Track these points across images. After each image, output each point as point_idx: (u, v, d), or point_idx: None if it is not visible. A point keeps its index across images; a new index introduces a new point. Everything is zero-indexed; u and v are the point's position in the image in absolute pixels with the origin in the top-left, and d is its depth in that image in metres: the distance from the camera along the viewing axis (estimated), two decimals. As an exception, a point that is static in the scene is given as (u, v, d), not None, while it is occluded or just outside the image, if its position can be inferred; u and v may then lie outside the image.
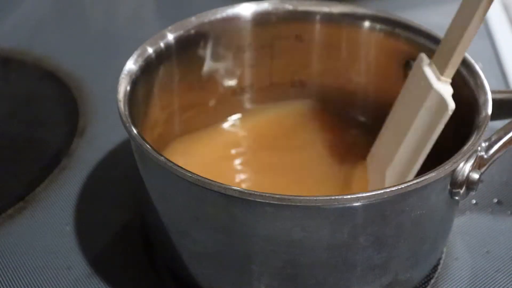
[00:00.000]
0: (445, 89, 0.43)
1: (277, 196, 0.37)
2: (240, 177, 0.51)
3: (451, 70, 0.43)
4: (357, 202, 0.37)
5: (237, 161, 0.52)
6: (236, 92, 0.55)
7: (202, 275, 0.44)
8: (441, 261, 0.48)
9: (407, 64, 0.50)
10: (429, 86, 0.44)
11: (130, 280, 0.47)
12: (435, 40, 0.48)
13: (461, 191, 0.41)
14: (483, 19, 0.42)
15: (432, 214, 0.41)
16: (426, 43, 0.49)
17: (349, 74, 0.54)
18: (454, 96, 0.46)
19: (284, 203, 0.37)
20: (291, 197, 0.37)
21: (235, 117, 0.55)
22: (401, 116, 0.47)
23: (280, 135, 0.54)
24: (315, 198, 0.38)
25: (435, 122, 0.43)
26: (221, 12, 0.51)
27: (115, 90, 0.44)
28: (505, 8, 0.77)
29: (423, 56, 0.46)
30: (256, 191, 0.37)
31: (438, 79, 0.44)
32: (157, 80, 0.49)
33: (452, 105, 0.42)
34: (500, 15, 0.75)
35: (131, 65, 0.46)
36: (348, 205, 0.38)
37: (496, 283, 0.46)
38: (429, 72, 0.44)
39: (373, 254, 0.40)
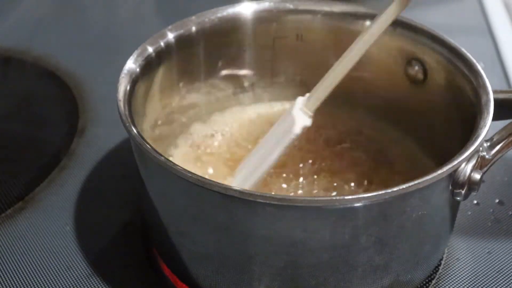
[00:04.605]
0: (301, 117, 0.46)
1: (278, 196, 0.37)
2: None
3: (313, 103, 0.47)
4: (358, 202, 0.37)
5: (237, 161, 0.52)
6: (236, 91, 0.55)
7: (202, 275, 0.43)
8: (442, 262, 0.48)
9: (408, 64, 0.50)
10: (289, 111, 0.47)
11: (130, 280, 0.47)
12: (436, 39, 0.48)
13: (463, 192, 0.41)
14: (346, 67, 0.46)
15: (434, 214, 0.41)
16: (427, 42, 0.49)
17: (350, 74, 0.54)
18: (454, 96, 0.46)
19: (285, 204, 0.37)
20: (292, 198, 0.37)
21: (235, 116, 0.55)
22: (264, 143, 0.49)
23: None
24: (316, 198, 0.38)
25: (281, 142, 0.46)
26: (221, 11, 0.51)
27: (115, 90, 0.44)
28: (507, 8, 0.77)
29: (307, 94, 0.48)
30: (257, 192, 0.37)
31: (301, 109, 0.47)
32: (157, 79, 0.49)
33: (296, 131, 0.46)
34: (502, 15, 0.75)
35: (131, 64, 0.46)
36: (349, 205, 0.37)
37: (497, 284, 0.46)
38: (300, 102, 0.47)
39: (374, 255, 0.40)
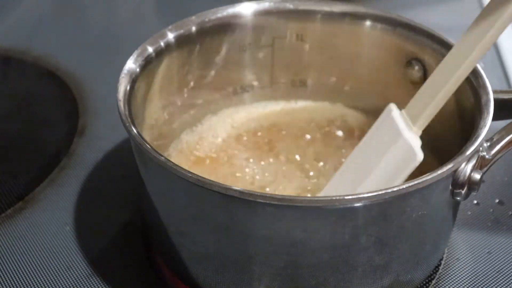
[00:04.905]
0: (414, 140, 0.43)
1: (278, 196, 0.37)
2: (239, 176, 0.51)
3: (423, 122, 0.43)
4: (358, 202, 0.37)
5: (237, 161, 0.52)
6: (236, 91, 0.55)
7: (202, 275, 0.43)
8: (442, 262, 0.48)
9: (408, 64, 0.50)
10: (398, 135, 0.43)
11: (130, 280, 0.47)
12: (436, 39, 0.48)
13: (463, 192, 0.41)
14: (463, 77, 0.42)
15: (434, 214, 0.41)
16: (427, 42, 0.49)
17: (350, 74, 0.54)
18: (454, 96, 0.46)
19: (285, 204, 0.37)
20: (292, 198, 0.37)
21: (236, 116, 0.55)
22: (365, 159, 0.46)
23: (280, 135, 0.54)
24: (316, 198, 0.38)
25: (400, 171, 0.43)
26: (221, 11, 0.51)
27: (115, 90, 0.44)
28: (507, 7, 0.77)
29: (393, 106, 0.46)
30: (257, 191, 0.37)
31: (410, 129, 0.44)
32: (157, 79, 0.49)
33: (420, 156, 0.42)
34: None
35: (131, 64, 0.46)
36: (349, 205, 0.37)
37: (497, 284, 0.46)
38: (400, 120, 0.44)
39: (374, 255, 0.40)
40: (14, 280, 0.47)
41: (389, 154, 0.44)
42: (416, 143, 0.43)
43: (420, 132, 0.44)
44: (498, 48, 0.69)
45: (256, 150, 0.53)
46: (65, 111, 0.62)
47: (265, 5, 0.52)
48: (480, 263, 0.48)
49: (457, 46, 0.42)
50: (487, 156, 0.42)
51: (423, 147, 0.50)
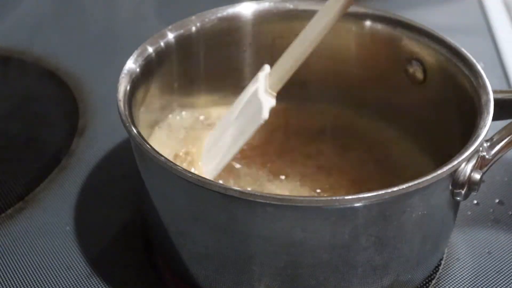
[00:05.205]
0: (267, 100, 0.46)
1: (278, 196, 0.37)
2: (238, 176, 0.51)
3: (277, 84, 0.47)
4: (358, 202, 0.37)
5: (237, 160, 0.52)
6: (236, 91, 0.55)
7: (202, 275, 0.43)
8: (442, 262, 0.48)
9: (408, 64, 0.50)
10: (255, 93, 0.47)
11: (130, 280, 0.47)
12: (436, 39, 0.48)
13: (463, 192, 0.41)
14: (312, 43, 0.46)
15: (434, 214, 0.41)
16: (427, 42, 0.49)
17: (350, 74, 0.54)
18: (454, 96, 0.46)
19: (285, 204, 0.37)
20: (292, 198, 0.37)
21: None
22: (231, 114, 0.49)
23: (280, 135, 0.54)
24: (316, 198, 0.38)
25: (249, 127, 0.47)
26: (221, 11, 0.51)
27: (115, 90, 0.44)
28: (507, 8, 0.77)
29: (266, 66, 0.49)
30: (257, 192, 0.37)
31: (266, 90, 0.47)
32: (157, 79, 0.49)
33: (265, 115, 0.46)
34: (502, 15, 0.75)
35: (131, 64, 0.46)
36: (349, 205, 0.37)
37: (498, 284, 0.46)
38: (263, 81, 0.47)
39: (374, 254, 0.40)
40: (14, 280, 0.47)
41: (245, 111, 0.47)
42: (267, 102, 0.46)
43: (274, 94, 0.47)
44: (498, 48, 0.69)
45: (256, 150, 0.52)
46: (65, 111, 0.62)
47: (265, 5, 0.52)
48: (480, 263, 0.48)
49: (309, 24, 0.46)
50: (487, 156, 0.42)
51: (424, 148, 0.51)
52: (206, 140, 0.50)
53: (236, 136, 0.47)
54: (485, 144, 0.42)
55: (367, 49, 0.52)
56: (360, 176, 0.50)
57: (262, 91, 0.46)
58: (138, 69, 0.46)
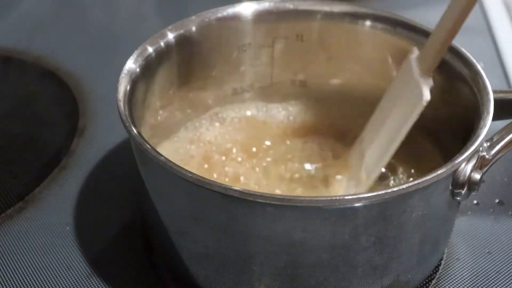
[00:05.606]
0: (425, 81, 0.44)
1: (278, 196, 0.37)
2: (238, 176, 0.51)
3: (433, 64, 0.44)
4: (358, 202, 0.37)
5: (236, 160, 0.52)
6: (236, 91, 0.55)
7: (202, 275, 0.43)
8: (442, 262, 0.48)
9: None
10: (410, 77, 0.45)
11: (130, 280, 0.47)
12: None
13: (463, 192, 0.41)
14: (464, 18, 0.44)
15: (434, 214, 0.41)
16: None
17: (350, 74, 0.54)
18: (454, 96, 0.46)
19: (285, 204, 0.37)
20: (292, 198, 0.37)
21: (235, 116, 0.55)
22: (386, 104, 0.48)
23: (280, 135, 0.54)
24: (316, 198, 0.37)
25: (411, 112, 0.44)
26: (221, 11, 0.51)
27: (115, 90, 0.44)
28: (507, 8, 0.77)
29: (415, 49, 0.47)
30: (257, 191, 0.37)
31: (421, 72, 0.45)
32: (157, 79, 0.49)
33: (427, 96, 0.43)
34: (502, 15, 0.75)
35: (131, 64, 0.46)
36: (349, 205, 0.37)
37: (497, 284, 0.46)
38: (415, 64, 0.45)
39: (374, 254, 0.40)
40: (14, 280, 0.47)
41: (402, 98, 0.45)
42: (425, 84, 0.44)
43: (431, 74, 0.44)
44: (498, 48, 0.69)
45: (255, 150, 0.52)
46: (65, 111, 0.62)
47: (265, 5, 0.52)
48: (480, 263, 0.48)
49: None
50: (487, 156, 0.42)
51: (424, 148, 0.51)
52: (351, 151, 0.49)
53: (397, 127, 0.45)
54: (485, 144, 0.42)
55: (367, 49, 0.52)
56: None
57: (417, 73, 0.44)
58: (138, 69, 0.46)
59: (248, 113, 0.55)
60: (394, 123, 0.45)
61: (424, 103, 0.44)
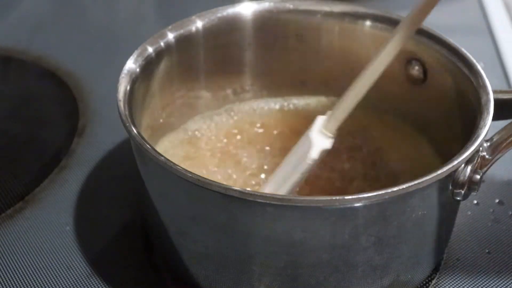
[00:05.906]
0: (319, 140, 0.44)
1: (278, 196, 0.37)
2: (237, 176, 0.51)
3: (332, 125, 0.44)
4: (358, 202, 0.37)
5: (237, 160, 0.52)
6: (236, 91, 0.55)
7: (202, 275, 0.43)
8: (442, 262, 0.48)
9: (408, 63, 0.50)
10: (309, 132, 0.44)
11: (130, 280, 0.47)
12: (436, 39, 0.48)
13: (463, 192, 0.41)
14: (366, 87, 0.44)
15: (434, 214, 0.41)
16: (427, 42, 0.49)
17: (350, 74, 0.54)
18: (454, 96, 0.46)
19: (285, 204, 0.37)
20: (292, 198, 0.37)
21: (235, 116, 0.55)
22: (294, 147, 0.47)
23: (280, 135, 0.54)
24: (316, 198, 0.37)
25: (299, 164, 0.44)
26: (221, 11, 0.51)
27: (115, 90, 0.44)
28: (507, 8, 0.77)
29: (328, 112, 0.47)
30: (257, 192, 0.37)
31: (320, 130, 0.44)
32: (157, 79, 0.49)
33: (312, 156, 0.43)
34: (502, 15, 0.75)
35: (131, 64, 0.46)
36: (349, 205, 0.37)
37: (497, 284, 0.46)
38: (319, 122, 0.45)
39: (374, 254, 0.40)
40: (14, 280, 0.47)
41: (297, 149, 0.45)
42: (318, 143, 0.44)
43: (329, 134, 0.44)
44: (498, 48, 0.69)
45: (255, 150, 0.53)
46: (65, 111, 0.62)
47: (265, 5, 0.52)
48: (480, 263, 0.48)
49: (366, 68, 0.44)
50: (487, 156, 0.42)
51: (424, 148, 0.51)
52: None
53: (286, 177, 0.45)
54: (485, 144, 0.42)
55: (367, 49, 0.52)
56: (357, 176, 0.50)
57: (315, 130, 0.44)
58: (138, 69, 0.46)
59: (248, 112, 0.55)
60: (287, 168, 0.45)
61: (309, 162, 0.43)
